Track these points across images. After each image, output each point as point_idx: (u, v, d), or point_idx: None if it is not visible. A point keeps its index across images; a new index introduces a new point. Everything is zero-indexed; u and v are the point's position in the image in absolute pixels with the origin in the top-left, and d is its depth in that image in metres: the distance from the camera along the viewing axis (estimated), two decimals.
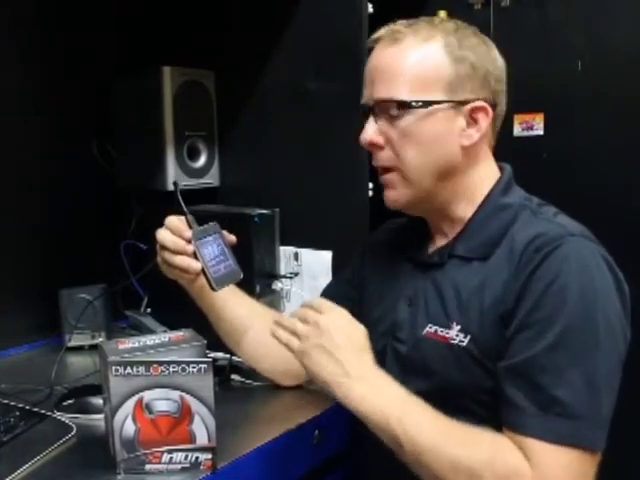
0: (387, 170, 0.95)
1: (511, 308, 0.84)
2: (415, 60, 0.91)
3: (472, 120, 0.92)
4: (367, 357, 0.90)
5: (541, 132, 1.54)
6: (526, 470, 0.78)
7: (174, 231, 1.00)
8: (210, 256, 1.00)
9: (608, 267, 0.85)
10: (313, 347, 0.89)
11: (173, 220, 1.01)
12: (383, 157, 0.95)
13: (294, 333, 0.92)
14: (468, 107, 0.91)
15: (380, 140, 0.94)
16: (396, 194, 0.95)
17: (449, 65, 0.90)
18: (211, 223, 1.03)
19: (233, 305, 1.12)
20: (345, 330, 0.91)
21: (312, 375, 0.90)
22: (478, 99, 0.91)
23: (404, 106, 0.90)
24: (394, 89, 0.91)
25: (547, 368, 0.80)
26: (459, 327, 0.89)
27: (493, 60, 0.94)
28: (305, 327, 0.91)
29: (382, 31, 0.95)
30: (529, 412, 0.80)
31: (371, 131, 0.94)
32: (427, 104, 0.90)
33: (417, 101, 0.90)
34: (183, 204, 1.02)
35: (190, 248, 0.99)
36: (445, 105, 0.91)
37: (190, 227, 1.00)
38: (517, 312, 0.84)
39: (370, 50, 0.96)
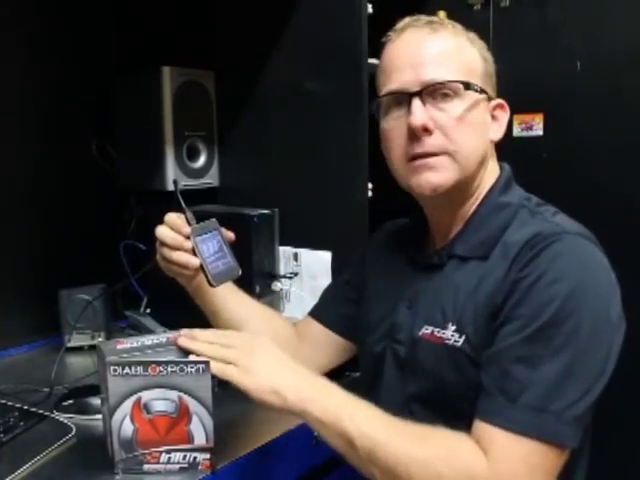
0: (434, 154, 0.92)
1: (500, 304, 0.84)
2: (464, 48, 0.94)
3: (492, 117, 0.96)
4: (300, 365, 0.90)
5: (540, 132, 1.55)
6: (481, 461, 0.77)
7: (173, 227, 1.00)
8: (208, 252, 1.00)
9: (603, 267, 0.85)
10: (251, 364, 0.88)
11: (172, 217, 1.01)
12: (432, 142, 0.91)
13: (224, 361, 0.89)
14: (493, 103, 0.96)
15: (431, 124, 0.91)
16: (442, 177, 0.91)
17: (481, 61, 0.95)
18: (210, 220, 1.03)
19: (231, 304, 1.12)
20: (269, 341, 0.93)
21: (258, 390, 0.86)
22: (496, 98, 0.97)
23: (468, 88, 0.91)
24: (451, 72, 0.91)
25: (522, 359, 0.80)
26: (454, 327, 0.90)
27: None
28: (235, 351, 0.90)
29: (408, 20, 0.96)
30: (497, 400, 0.80)
31: (421, 114, 0.90)
32: (481, 90, 0.93)
33: (476, 84, 0.92)
34: (182, 201, 1.02)
35: (189, 244, 0.99)
36: (484, 95, 0.94)
37: (189, 224, 1.01)
38: (504, 307, 0.84)
39: (386, 42, 0.97)
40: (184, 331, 0.94)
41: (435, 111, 0.91)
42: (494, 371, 0.82)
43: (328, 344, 1.16)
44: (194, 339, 0.92)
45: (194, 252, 0.99)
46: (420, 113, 0.90)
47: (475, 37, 0.97)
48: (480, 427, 0.80)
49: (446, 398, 0.90)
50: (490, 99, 0.96)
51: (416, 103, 0.90)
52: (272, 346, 0.92)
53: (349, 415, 0.83)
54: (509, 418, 0.78)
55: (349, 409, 0.84)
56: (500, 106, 0.97)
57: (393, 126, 0.94)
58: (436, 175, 0.92)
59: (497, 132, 0.97)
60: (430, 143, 0.91)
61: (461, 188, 0.94)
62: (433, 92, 0.91)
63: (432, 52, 0.92)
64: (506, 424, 0.78)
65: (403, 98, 0.92)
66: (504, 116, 0.98)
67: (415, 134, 0.91)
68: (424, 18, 0.96)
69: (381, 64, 0.97)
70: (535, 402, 0.78)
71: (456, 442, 0.81)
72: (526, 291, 0.82)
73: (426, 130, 0.90)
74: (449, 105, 0.91)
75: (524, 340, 0.80)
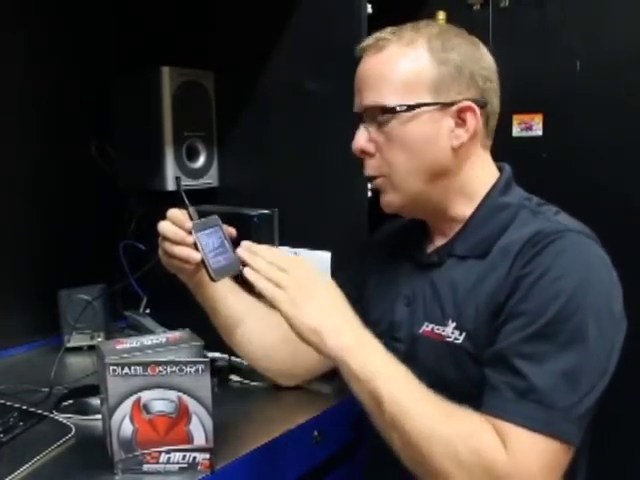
0: (375, 177, 0.97)
1: (503, 301, 0.85)
2: (398, 65, 0.92)
3: (460, 120, 0.92)
4: (352, 313, 0.89)
5: (540, 132, 1.55)
6: (501, 454, 0.77)
7: (175, 222, 1.01)
8: (210, 247, 1.01)
9: (605, 265, 0.85)
10: (300, 296, 0.87)
11: (175, 212, 1.03)
12: (372, 165, 0.96)
13: (276, 283, 0.89)
14: (455, 108, 0.92)
15: (370, 147, 0.95)
16: (388, 198, 0.97)
17: (432, 67, 0.91)
18: (212, 216, 1.04)
19: (231, 301, 1.12)
20: (326, 281, 0.93)
21: (299, 324, 0.87)
22: (465, 99, 0.92)
23: (388, 111, 0.91)
24: (379, 95, 0.92)
25: (528, 355, 0.80)
26: (454, 325, 0.90)
27: (479, 59, 0.94)
28: (289, 277, 0.89)
29: (368, 40, 0.96)
30: (506, 396, 0.80)
31: (361, 138, 0.95)
32: (411, 107, 0.91)
33: (400, 105, 0.91)
34: (185, 197, 1.03)
35: (190, 239, 1.00)
36: (430, 107, 0.91)
37: (191, 219, 1.01)
38: (507, 305, 0.84)
39: (359, 59, 0.97)
40: (245, 243, 0.95)
41: (377, 133, 0.94)
42: (500, 368, 0.82)
43: None
44: (254, 253, 0.92)
45: (196, 247, 1.00)
46: (360, 136, 0.95)
47: (440, 39, 0.92)
48: (491, 421, 0.80)
49: (446, 393, 0.89)
50: (450, 105, 0.91)
51: (360, 127, 0.95)
52: (330, 285, 0.92)
53: (385, 376, 0.83)
54: (521, 414, 0.78)
55: (386, 370, 0.84)
56: (468, 109, 0.91)
57: None
58: (384, 196, 0.97)
59: (461, 137, 0.92)
60: (369, 165, 0.96)
61: (422, 202, 0.96)
62: (370, 115, 0.94)
63: (369, 76, 0.94)
64: (518, 419, 0.78)
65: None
66: (472, 119, 0.92)
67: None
68: (378, 35, 0.95)
69: None
70: (543, 399, 0.78)
71: (480, 426, 0.80)
72: (529, 288, 0.82)
73: (366, 153, 0.95)
74: (387, 126, 0.93)
75: (529, 337, 0.80)
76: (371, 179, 0.98)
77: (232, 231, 1.05)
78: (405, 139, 0.92)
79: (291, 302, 0.87)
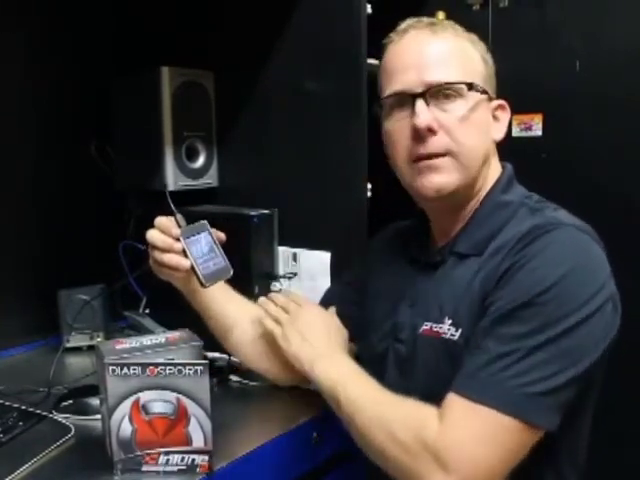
0: (438, 155, 0.92)
1: (490, 291, 0.85)
2: (463, 49, 0.95)
3: (493, 117, 0.97)
4: (334, 340, 1.04)
5: (540, 133, 1.55)
6: (434, 424, 0.79)
7: (163, 230, 1.01)
8: (199, 253, 1.01)
9: (596, 258, 0.85)
10: (291, 331, 1.05)
11: (162, 220, 1.03)
12: (436, 143, 0.91)
13: (277, 321, 1.08)
14: (494, 104, 0.97)
15: (435, 125, 0.91)
16: (445, 179, 0.92)
17: (481, 62, 0.96)
18: (200, 222, 1.04)
19: (225, 305, 1.13)
20: (319, 318, 1.08)
21: (288, 354, 1.04)
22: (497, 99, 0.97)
23: (471, 88, 0.92)
24: (454, 73, 0.92)
25: (496, 335, 0.80)
26: (451, 321, 0.90)
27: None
28: (288, 317, 1.07)
29: (409, 22, 0.97)
30: (465, 371, 0.81)
31: (427, 116, 0.91)
32: (483, 91, 0.94)
33: (478, 85, 0.93)
34: (172, 204, 1.03)
35: (179, 246, 1.00)
36: (485, 96, 0.95)
37: (179, 226, 1.01)
38: (493, 293, 0.85)
39: (388, 43, 0.98)
40: (272, 294, 1.17)
41: (438, 112, 0.92)
42: (472, 347, 0.83)
43: None
44: (270, 299, 1.14)
45: (185, 254, 1.00)
46: (424, 114, 0.90)
47: (476, 39, 0.98)
48: (447, 396, 0.82)
49: (444, 392, 0.89)
50: (491, 99, 0.97)
51: (420, 104, 0.91)
52: (314, 321, 1.07)
53: (343, 383, 0.92)
54: (470, 386, 0.80)
55: (346, 378, 0.94)
56: (501, 107, 0.98)
57: (397, 127, 0.95)
58: (440, 177, 0.92)
59: (499, 132, 0.98)
60: (434, 144, 0.92)
61: (465, 189, 0.95)
62: (436, 93, 0.92)
63: (434, 53, 0.93)
64: (465, 391, 0.79)
65: (406, 99, 0.93)
66: (505, 116, 0.99)
67: (419, 135, 0.91)
68: (425, 20, 0.97)
69: (383, 66, 0.98)
70: (500, 374, 0.78)
71: (420, 407, 0.83)
72: (512, 274, 0.83)
73: (430, 131, 0.91)
74: (452, 105, 0.92)
75: (501, 317, 0.81)
76: (426, 157, 0.92)
77: (221, 236, 1.05)
78: (474, 120, 0.93)
79: (283, 336, 1.05)
